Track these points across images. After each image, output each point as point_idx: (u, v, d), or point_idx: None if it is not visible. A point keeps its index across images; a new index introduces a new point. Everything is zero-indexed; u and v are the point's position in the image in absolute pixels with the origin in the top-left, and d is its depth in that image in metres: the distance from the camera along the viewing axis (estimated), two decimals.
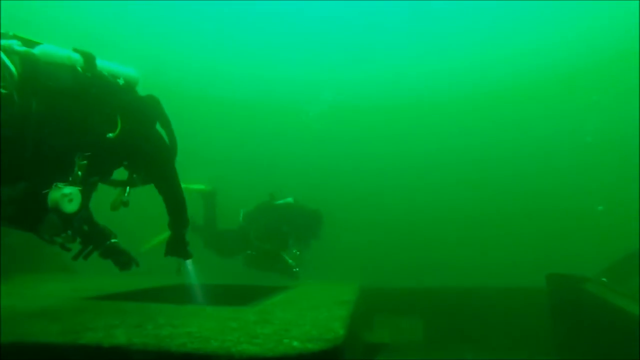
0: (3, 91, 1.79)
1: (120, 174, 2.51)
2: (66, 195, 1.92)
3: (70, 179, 2.00)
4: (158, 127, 2.55)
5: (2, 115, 1.77)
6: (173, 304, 2.33)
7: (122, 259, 2.51)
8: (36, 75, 1.92)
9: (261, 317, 1.92)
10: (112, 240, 2.48)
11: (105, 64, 2.26)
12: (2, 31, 1.98)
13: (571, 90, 14.71)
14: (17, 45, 1.93)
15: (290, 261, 5.17)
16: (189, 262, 2.78)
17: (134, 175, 2.45)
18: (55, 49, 2.08)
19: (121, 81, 2.33)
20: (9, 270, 3.79)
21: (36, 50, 1.98)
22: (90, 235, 2.38)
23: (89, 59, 2.16)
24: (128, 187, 2.41)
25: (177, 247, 2.52)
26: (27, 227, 2.02)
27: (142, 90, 2.54)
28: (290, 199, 5.60)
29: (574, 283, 3.45)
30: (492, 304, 5.36)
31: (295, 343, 1.45)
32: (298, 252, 5.47)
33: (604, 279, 3.58)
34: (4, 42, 1.91)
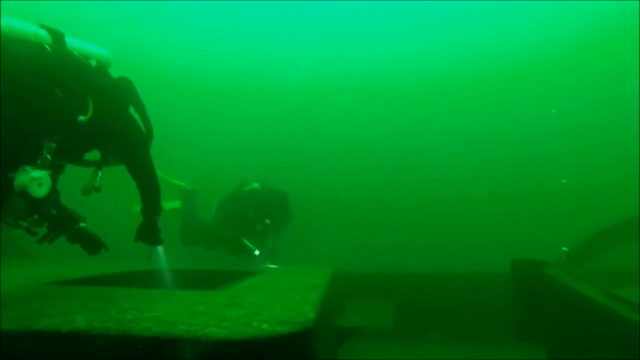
0: None
1: (93, 154, 2.40)
2: (35, 179, 1.84)
3: (39, 162, 1.91)
4: (132, 110, 2.44)
5: None
6: (140, 289, 2.26)
7: (91, 244, 2.42)
8: (7, 58, 1.80)
9: (231, 301, 1.89)
10: (81, 224, 2.38)
11: (75, 43, 2.15)
12: None
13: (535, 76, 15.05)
14: None
15: (250, 245, 5.16)
16: (160, 248, 2.72)
17: (107, 157, 2.36)
18: (20, 24, 1.94)
19: (93, 62, 2.22)
20: None
21: (3, 27, 1.86)
22: (57, 219, 2.27)
23: (57, 36, 2.05)
24: (100, 172, 2.33)
25: (148, 233, 2.47)
26: None
27: (115, 73, 2.41)
28: (256, 184, 5.59)
29: (536, 267, 3.61)
30: (460, 289, 5.55)
31: (264, 326, 1.43)
32: (275, 242, 5.46)
33: (563, 256, 3.76)
34: None
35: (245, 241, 5.24)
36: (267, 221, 5.41)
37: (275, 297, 1.99)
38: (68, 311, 1.63)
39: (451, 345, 5.17)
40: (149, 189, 2.42)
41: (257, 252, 5.14)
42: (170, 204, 5.82)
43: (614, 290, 2.81)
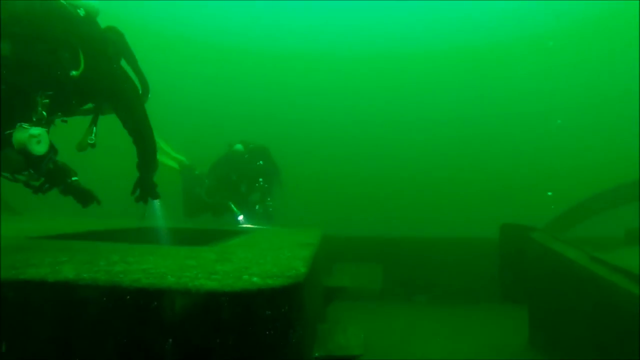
0: None
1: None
2: (34, 137, 1.83)
3: (35, 119, 1.88)
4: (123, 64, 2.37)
5: None
6: (128, 243, 2.24)
7: (84, 197, 2.37)
8: None
9: (221, 256, 1.88)
10: (73, 179, 2.32)
11: None
12: None
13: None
14: None
15: (235, 209, 5.18)
16: (157, 202, 2.68)
17: (100, 108, 2.32)
18: None
19: (82, 12, 2.11)
20: None
21: None
22: (52, 174, 2.19)
23: None
24: (95, 128, 2.29)
25: (144, 188, 2.45)
26: None
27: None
28: (238, 145, 5.55)
29: (522, 232, 3.68)
30: (447, 252, 5.68)
31: (255, 279, 1.42)
32: (268, 202, 5.46)
33: (550, 193, 3.83)
34: None
35: (232, 205, 5.25)
36: (260, 180, 5.40)
37: (265, 253, 1.99)
38: (55, 262, 1.60)
39: (436, 306, 5.36)
40: (144, 144, 2.38)
41: (240, 217, 5.16)
42: (176, 154, 5.92)
43: (597, 254, 2.89)
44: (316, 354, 1.90)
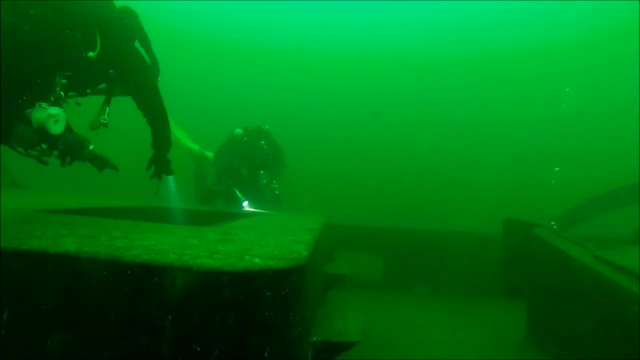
0: None
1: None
2: (52, 116, 1.88)
3: (52, 98, 1.93)
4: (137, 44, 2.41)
5: None
6: (131, 220, 2.24)
7: (101, 163, 2.40)
8: None
9: (223, 237, 1.87)
10: (90, 148, 2.30)
11: None
12: None
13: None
14: None
15: (240, 195, 5.20)
16: (170, 178, 2.72)
17: (113, 88, 2.36)
18: None
19: None
20: None
21: None
22: (69, 148, 2.18)
23: None
24: (107, 108, 2.33)
25: (159, 165, 2.52)
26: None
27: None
28: (238, 130, 5.56)
29: (526, 228, 3.65)
30: (450, 245, 5.67)
31: (256, 260, 1.41)
32: (276, 184, 5.46)
33: (552, 223, 3.85)
34: None
35: (236, 191, 5.26)
36: (261, 161, 5.40)
37: (268, 236, 1.98)
38: (57, 234, 1.60)
39: (437, 298, 5.38)
40: (158, 123, 2.44)
41: (245, 203, 5.17)
42: (191, 144, 6.03)
43: (601, 252, 2.86)
44: (314, 339, 1.90)
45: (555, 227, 3.86)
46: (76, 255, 1.34)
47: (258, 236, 1.96)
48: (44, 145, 2.04)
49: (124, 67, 2.21)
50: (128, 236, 1.70)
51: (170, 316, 1.26)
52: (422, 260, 5.81)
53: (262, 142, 5.41)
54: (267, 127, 5.58)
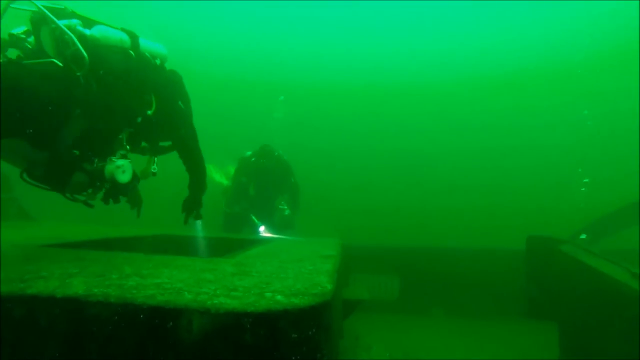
0: (78, 73, 1.93)
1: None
2: (119, 167, 2.13)
3: (119, 153, 2.19)
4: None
5: (74, 95, 1.92)
6: (143, 253, 2.14)
7: (137, 200, 2.58)
8: (99, 60, 2.01)
9: (239, 269, 1.76)
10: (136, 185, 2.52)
11: (145, 43, 2.34)
12: (58, 6, 2.02)
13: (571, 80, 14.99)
14: (79, 26, 2.01)
15: (255, 220, 5.12)
16: (198, 222, 2.99)
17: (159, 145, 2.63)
18: (109, 30, 2.14)
19: (158, 61, 2.44)
20: None
21: (97, 33, 2.06)
22: (116, 189, 2.33)
23: (134, 39, 2.25)
24: (155, 159, 2.60)
25: (192, 207, 2.80)
26: (54, 187, 2.13)
27: None
28: (248, 152, 5.57)
29: (551, 244, 3.49)
30: (468, 265, 5.47)
31: (279, 297, 1.30)
32: (284, 205, 5.38)
33: (583, 236, 3.67)
34: (67, 22, 1.98)
35: (253, 217, 5.19)
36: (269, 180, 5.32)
37: (286, 266, 1.87)
38: (65, 275, 1.50)
39: (455, 319, 5.15)
40: (198, 171, 2.75)
41: (262, 228, 5.08)
42: (219, 177, 6.03)
43: (636, 269, 2.69)
44: None
45: (585, 238, 3.67)
46: (85, 298, 1.24)
47: (276, 267, 1.85)
48: (89, 190, 2.22)
49: (171, 122, 2.49)
50: (140, 273, 1.60)
51: None
52: (439, 279, 5.61)
53: (263, 160, 5.37)
54: (279, 152, 5.55)
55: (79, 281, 1.41)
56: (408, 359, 3.63)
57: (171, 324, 1.17)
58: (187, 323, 1.17)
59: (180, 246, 3.23)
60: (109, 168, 2.11)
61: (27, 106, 1.78)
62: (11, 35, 1.97)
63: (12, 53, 1.99)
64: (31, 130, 1.83)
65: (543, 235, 3.61)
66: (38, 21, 1.98)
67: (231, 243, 3.01)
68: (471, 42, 16.83)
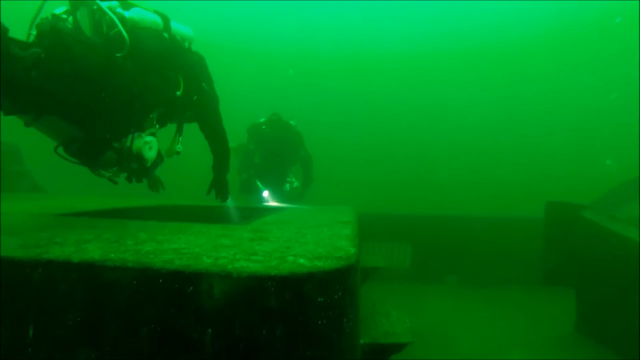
0: (118, 54, 1.98)
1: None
2: (147, 143, 2.22)
3: (147, 130, 2.27)
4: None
5: (113, 76, 1.95)
6: (156, 221, 2.10)
7: (157, 181, 2.67)
8: (136, 42, 2.05)
9: (257, 235, 1.71)
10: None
11: (174, 26, 2.41)
12: None
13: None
14: (119, 8, 2.06)
15: (260, 185, 5.09)
16: (228, 202, 3.07)
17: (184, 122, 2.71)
18: (145, 13, 2.21)
19: (186, 43, 2.52)
20: None
21: (135, 15, 2.12)
22: (140, 170, 2.42)
23: (166, 22, 2.33)
24: (180, 138, 2.67)
25: (218, 188, 2.87)
26: (86, 162, 2.19)
27: None
28: (262, 118, 5.49)
29: (571, 210, 3.39)
30: (481, 233, 5.42)
31: (301, 260, 1.24)
32: (293, 178, 5.33)
33: (608, 162, 3.53)
34: (107, 3, 2.02)
35: (257, 181, 5.15)
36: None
37: (304, 232, 1.81)
38: (81, 240, 1.47)
39: (469, 287, 5.15)
40: (221, 149, 2.81)
41: (265, 192, 5.05)
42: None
43: None
44: (361, 341, 1.74)
45: (600, 205, 3.56)
46: (101, 263, 1.19)
47: (293, 232, 1.80)
48: (115, 168, 2.30)
49: (197, 102, 2.57)
50: (155, 239, 1.55)
51: (209, 330, 1.10)
52: (451, 247, 5.59)
53: (278, 134, 5.27)
54: (293, 122, 5.43)
55: (94, 247, 1.37)
56: (428, 324, 3.65)
57: (191, 288, 1.12)
58: (208, 287, 1.12)
59: (192, 215, 3.20)
60: (137, 143, 2.20)
61: (68, 85, 1.80)
62: (53, 15, 1.98)
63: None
64: (70, 108, 1.88)
65: (563, 201, 3.50)
66: (77, 1, 2.00)
67: (245, 211, 2.97)
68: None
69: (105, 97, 1.93)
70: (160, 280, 1.14)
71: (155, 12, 2.28)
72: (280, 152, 5.32)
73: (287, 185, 5.35)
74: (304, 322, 1.11)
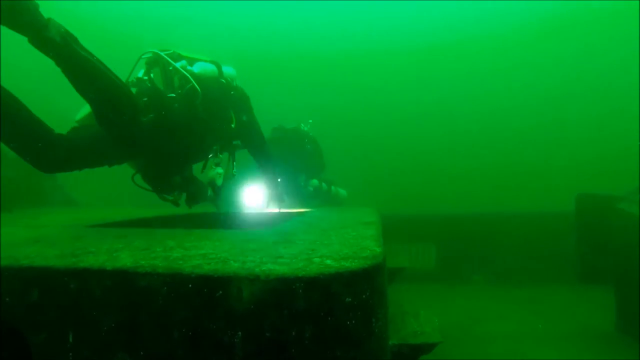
0: (197, 103, 2.39)
1: None
2: (219, 174, 2.73)
3: (215, 161, 2.74)
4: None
5: (193, 123, 2.39)
6: (182, 229, 2.15)
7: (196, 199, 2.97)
8: (206, 92, 2.42)
9: (282, 238, 1.72)
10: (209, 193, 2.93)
11: (224, 69, 2.77)
12: (170, 52, 2.47)
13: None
14: (188, 66, 2.47)
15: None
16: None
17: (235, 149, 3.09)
18: (205, 66, 2.60)
19: (234, 83, 2.85)
20: (10, 203, 3.63)
21: (199, 70, 2.50)
22: (197, 193, 2.80)
23: (219, 69, 2.70)
24: (234, 162, 3.04)
25: (275, 199, 3.30)
26: (158, 189, 2.60)
27: None
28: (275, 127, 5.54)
29: (606, 202, 3.25)
30: (507, 230, 5.27)
31: (328, 261, 1.24)
32: (304, 180, 5.30)
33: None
34: (179, 64, 2.43)
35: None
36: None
37: (328, 233, 1.81)
38: (113, 249, 1.52)
39: (496, 286, 5.02)
40: (269, 168, 3.24)
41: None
42: None
43: None
44: (390, 342, 1.72)
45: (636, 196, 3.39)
46: (134, 270, 1.23)
47: (318, 234, 1.80)
48: (176, 192, 2.66)
49: (247, 131, 2.96)
50: (183, 245, 1.59)
51: (239, 332, 1.12)
52: (477, 246, 5.46)
53: (285, 143, 5.27)
54: (306, 127, 5.43)
55: (125, 254, 1.41)
56: (458, 324, 3.57)
57: (220, 292, 1.14)
58: (237, 291, 1.13)
59: (216, 222, 3.25)
60: (211, 174, 2.69)
61: (169, 136, 2.30)
62: (137, 78, 2.40)
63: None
64: (162, 151, 2.35)
65: (596, 193, 3.36)
66: (152, 64, 2.41)
67: (268, 216, 3.00)
68: None
69: (187, 140, 2.39)
70: (190, 285, 1.16)
71: (212, 62, 2.66)
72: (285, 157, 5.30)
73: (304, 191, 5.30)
74: (333, 322, 1.11)
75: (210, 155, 2.75)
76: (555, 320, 3.68)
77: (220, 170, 2.69)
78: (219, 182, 2.68)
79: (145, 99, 2.26)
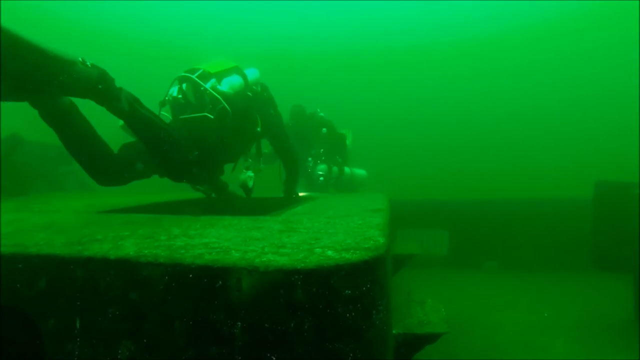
0: (228, 121, 2.56)
1: None
2: (250, 177, 2.88)
3: (246, 164, 2.93)
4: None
5: (224, 137, 2.60)
6: (189, 215, 2.16)
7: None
8: (233, 107, 2.59)
9: (286, 226, 1.71)
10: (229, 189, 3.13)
11: (249, 76, 2.87)
12: (199, 72, 2.63)
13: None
14: (218, 87, 2.59)
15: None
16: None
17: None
18: (233, 80, 2.71)
19: (258, 88, 3.00)
20: (26, 187, 3.71)
21: (227, 88, 2.63)
22: (221, 189, 3.00)
23: (245, 79, 2.81)
24: (262, 158, 3.17)
25: (290, 191, 3.44)
26: (195, 182, 2.75)
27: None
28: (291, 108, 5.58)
29: (624, 189, 3.13)
30: (521, 216, 5.17)
31: (329, 252, 1.22)
32: (310, 162, 5.28)
33: None
34: (209, 84, 2.58)
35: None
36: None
37: (334, 222, 1.79)
38: (118, 237, 1.53)
39: (509, 273, 4.95)
40: (293, 166, 3.40)
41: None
42: None
43: None
44: (394, 332, 1.70)
45: None
46: (136, 259, 1.23)
47: (323, 223, 1.78)
48: (205, 186, 2.89)
49: (270, 131, 3.11)
50: (187, 233, 1.59)
51: (239, 323, 1.12)
52: (490, 232, 5.38)
53: (291, 123, 5.26)
54: (321, 113, 5.39)
55: (130, 243, 1.42)
56: (468, 310, 3.55)
57: (220, 283, 1.14)
58: (236, 282, 1.13)
59: (226, 207, 3.27)
60: (243, 177, 2.86)
61: (209, 151, 2.54)
62: (174, 97, 2.63)
63: (166, 109, 2.72)
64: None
65: (615, 180, 3.24)
66: (185, 84, 2.64)
67: (277, 202, 2.99)
68: None
69: (219, 151, 2.63)
70: (190, 275, 1.16)
71: (236, 72, 2.77)
72: (301, 144, 5.25)
73: (314, 178, 5.28)
74: (332, 315, 1.09)
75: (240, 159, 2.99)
76: (570, 306, 3.62)
77: (251, 173, 2.86)
78: (250, 184, 2.85)
79: (182, 117, 2.56)
